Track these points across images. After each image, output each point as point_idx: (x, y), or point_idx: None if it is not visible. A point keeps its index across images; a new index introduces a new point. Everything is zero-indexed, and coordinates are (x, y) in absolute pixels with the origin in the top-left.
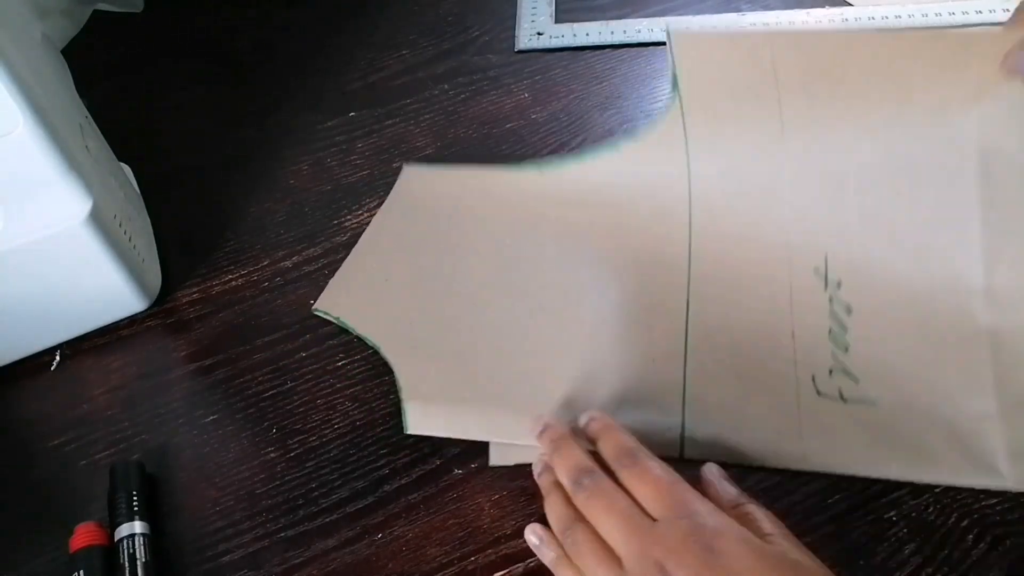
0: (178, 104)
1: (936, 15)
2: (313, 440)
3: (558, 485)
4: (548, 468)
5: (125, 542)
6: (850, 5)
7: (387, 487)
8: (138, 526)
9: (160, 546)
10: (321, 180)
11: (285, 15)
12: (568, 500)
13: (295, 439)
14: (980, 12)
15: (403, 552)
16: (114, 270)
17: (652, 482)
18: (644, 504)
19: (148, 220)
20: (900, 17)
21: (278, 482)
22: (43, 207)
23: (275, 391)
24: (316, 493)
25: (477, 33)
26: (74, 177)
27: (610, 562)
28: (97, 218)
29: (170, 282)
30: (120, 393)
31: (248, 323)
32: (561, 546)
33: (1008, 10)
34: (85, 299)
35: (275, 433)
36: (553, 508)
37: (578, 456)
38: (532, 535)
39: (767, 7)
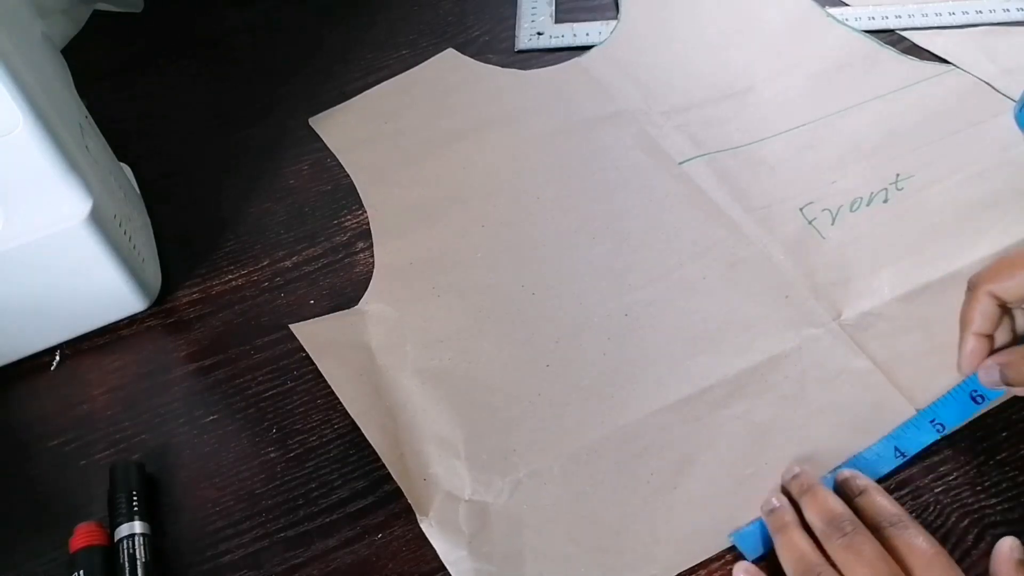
0: (178, 104)
1: (936, 15)
2: (313, 440)
3: (793, 525)
4: (784, 507)
5: (125, 542)
6: (847, 5)
7: (387, 487)
8: (138, 526)
9: (160, 546)
10: (321, 180)
11: (285, 15)
12: (810, 542)
13: (295, 439)
14: (980, 12)
15: (403, 552)
16: (114, 270)
17: (919, 549)
18: (911, 569)
19: (148, 220)
20: (900, 17)
21: (278, 482)
22: (43, 207)
23: (275, 391)
24: (316, 493)
25: (477, 33)
26: (74, 177)
27: None
28: (97, 218)
29: (170, 282)
30: (120, 393)
31: (248, 323)
32: None
33: (1008, 10)
34: (85, 299)
35: (275, 433)
36: (794, 547)
37: (836, 502)
38: (743, 574)
39: None
